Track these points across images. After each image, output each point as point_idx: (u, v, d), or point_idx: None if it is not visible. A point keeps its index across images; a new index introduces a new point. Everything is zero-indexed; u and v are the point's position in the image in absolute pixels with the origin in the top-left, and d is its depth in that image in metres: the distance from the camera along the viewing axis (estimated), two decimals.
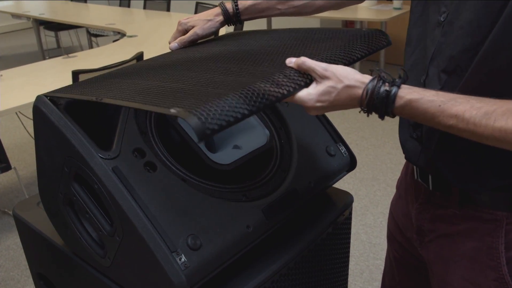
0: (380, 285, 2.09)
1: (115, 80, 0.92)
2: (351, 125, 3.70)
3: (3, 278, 2.27)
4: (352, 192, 1.22)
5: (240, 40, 1.08)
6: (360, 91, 0.74)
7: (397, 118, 0.83)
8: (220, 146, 1.03)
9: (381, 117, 0.75)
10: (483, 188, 0.82)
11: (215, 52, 1.00)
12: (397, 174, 3.01)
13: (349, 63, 0.82)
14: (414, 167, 0.96)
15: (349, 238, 1.22)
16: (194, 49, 1.08)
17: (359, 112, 0.76)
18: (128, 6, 5.41)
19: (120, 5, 5.47)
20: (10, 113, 2.44)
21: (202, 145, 0.98)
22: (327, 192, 1.18)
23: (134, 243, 0.82)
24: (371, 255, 2.29)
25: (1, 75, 2.88)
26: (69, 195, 0.92)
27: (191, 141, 0.97)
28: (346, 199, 1.18)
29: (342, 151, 1.14)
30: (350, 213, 1.19)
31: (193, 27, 1.11)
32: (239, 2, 1.10)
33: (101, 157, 0.83)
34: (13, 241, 2.54)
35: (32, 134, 3.31)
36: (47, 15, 5.04)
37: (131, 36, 3.71)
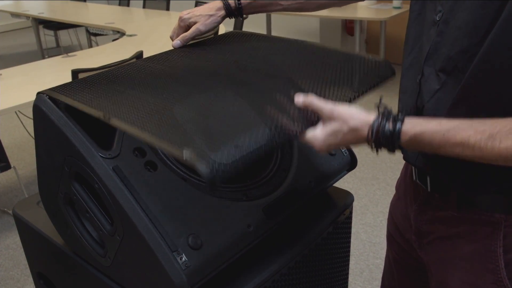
0: (379, 284, 2.09)
1: (119, 87, 0.91)
2: None
3: (2, 278, 2.27)
4: (352, 192, 1.22)
5: (244, 49, 1.07)
6: (365, 132, 0.75)
7: None
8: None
9: (390, 152, 0.76)
10: (481, 191, 0.82)
11: (219, 64, 0.99)
12: (397, 174, 3.01)
13: (354, 99, 0.84)
14: (413, 168, 0.96)
15: (350, 237, 1.22)
16: (198, 53, 1.07)
17: (371, 149, 0.77)
18: (128, 5, 5.40)
19: (119, 4, 5.47)
20: (9, 112, 2.44)
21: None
22: (328, 191, 1.18)
23: (134, 242, 0.82)
24: (371, 254, 2.29)
25: (1, 74, 2.88)
26: (69, 195, 0.92)
27: None
28: (347, 199, 1.17)
29: (343, 150, 1.14)
30: (351, 213, 1.19)
31: (195, 23, 1.10)
32: None
33: (101, 156, 0.83)
34: (13, 240, 2.54)
35: (32, 134, 3.31)
36: (46, 14, 5.03)
37: (130, 35, 3.71)
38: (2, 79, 2.81)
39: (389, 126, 0.73)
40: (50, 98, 0.89)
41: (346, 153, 1.14)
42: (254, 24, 4.60)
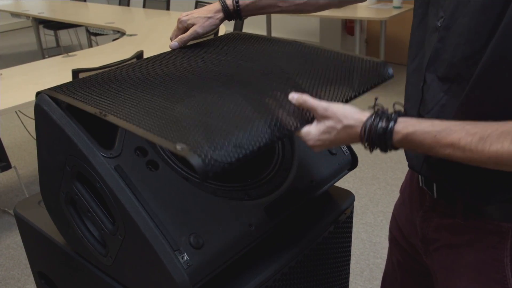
0: (379, 284, 2.09)
1: (117, 86, 0.91)
2: None
3: (3, 277, 2.27)
4: (352, 191, 1.22)
5: (243, 50, 1.07)
6: (358, 130, 0.76)
7: None
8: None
9: (383, 151, 0.76)
10: (488, 201, 0.81)
11: (218, 64, 0.99)
12: (397, 173, 3.02)
13: (349, 100, 0.84)
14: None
15: (351, 236, 1.22)
16: (196, 55, 1.07)
17: (365, 148, 0.78)
18: (128, 5, 5.40)
19: (119, 4, 5.47)
20: (10, 112, 2.44)
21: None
22: (329, 190, 1.18)
23: (136, 241, 0.82)
24: (372, 254, 2.30)
25: (1, 74, 2.88)
26: (71, 194, 0.92)
27: None
28: (348, 198, 1.18)
29: (344, 150, 1.14)
30: (352, 212, 1.19)
31: (193, 24, 1.10)
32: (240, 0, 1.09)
33: (103, 155, 0.83)
34: (13, 240, 2.54)
35: (32, 133, 3.31)
36: (46, 14, 5.03)
37: (130, 35, 3.71)
38: (3, 79, 2.81)
39: (382, 124, 0.74)
40: (52, 97, 0.90)
41: (347, 152, 1.15)
42: (254, 24, 4.60)
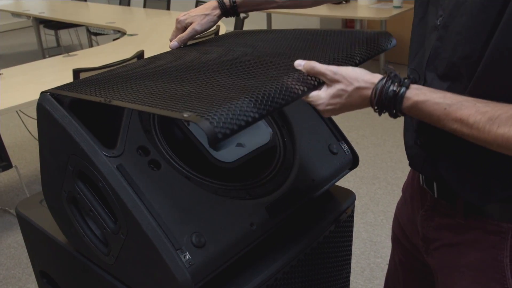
0: (380, 283, 2.10)
1: (120, 80, 0.92)
2: (352, 124, 3.70)
3: (4, 277, 2.27)
4: (352, 191, 1.22)
5: (244, 41, 1.08)
6: (369, 92, 0.75)
7: (399, 119, 0.83)
8: (224, 144, 1.03)
9: (391, 116, 0.76)
10: (490, 200, 0.81)
11: (220, 53, 1.00)
12: (398, 172, 3.02)
13: (358, 64, 0.83)
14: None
15: (352, 236, 1.22)
16: (197, 49, 1.08)
17: (375, 111, 0.76)
18: (128, 4, 5.41)
19: (120, 4, 5.47)
20: (10, 112, 2.44)
21: (205, 143, 0.98)
22: (330, 190, 1.18)
23: (138, 240, 0.82)
24: (372, 253, 2.30)
25: (2, 74, 2.88)
26: (73, 193, 0.93)
27: (195, 139, 0.97)
28: (349, 197, 1.18)
29: (345, 149, 1.15)
30: (353, 211, 1.19)
31: (191, 23, 1.11)
32: None
33: (105, 155, 0.83)
34: (14, 239, 2.54)
35: (33, 133, 3.32)
36: (47, 14, 5.03)
37: (131, 35, 3.71)
38: (3, 79, 2.81)
39: (393, 88, 0.73)
40: (54, 97, 0.90)
41: (348, 152, 1.15)
42: (254, 23, 4.60)
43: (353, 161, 1.16)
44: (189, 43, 1.15)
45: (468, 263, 0.86)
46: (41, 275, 1.24)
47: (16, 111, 2.85)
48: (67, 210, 0.96)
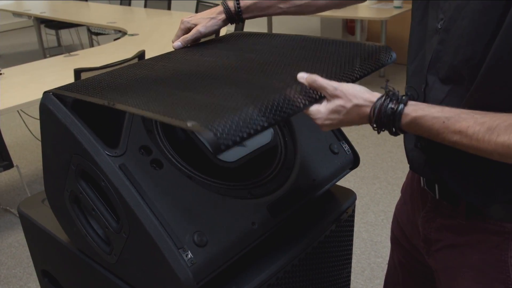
0: (380, 283, 2.10)
1: (124, 81, 0.92)
2: None
3: (5, 276, 2.27)
4: (353, 190, 1.22)
5: (247, 45, 1.08)
6: (368, 110, 0.76)
7: None
8: None
9: (392, 134, 0.77)
10: (492, 202, 0.81)
11: (223, 57, 1.00)
12: (398, 172, 3.03)
13: (357, 79, 0.84)
14: None
15: (352, 235, 1.23)
16: (201, 51, 1.08)
17: (374, 129, 0.78)
18: (129, 4, 5.41)
19: (121, 4, 5.48)
20: (11, 111, 2.44)
21: (207, 143, 0.99)
22: (331, 189, 1.19)
23: (140, 239, 0.82)
24: (373, 253, 2.30)
25: (3, 73, 2.89)
26: (75, 192, 0.93)
27: (197, 139, 0.98)
28: (349, 197, 1.18)
29: (345, 149, 1.15)
30: (353, 211, 1.19)
31: (195, 25, 1.11)
32: (240, 1, 1.10)
33: (108, 154, 0.84)
34: (15, 239, 2.55)
35: (34, 132, 3.32)
36: (48, 14, 5.04)
37: (132, 35, 3.71)
38: (4, 78, 2.81)
39: (391, 106, 0.74)
40: (57, 96, 0.90)
41: (349, 151, 1.15)
42: (255, 24, 4.60)
43: (354, 161, 1.16)
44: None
45: (471, 263, 0.86)
46: (42, 274, 1.24)
47: (17, 111, 2.85)
48: (69, 209, 0.97)
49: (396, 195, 2.75)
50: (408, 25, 0.94)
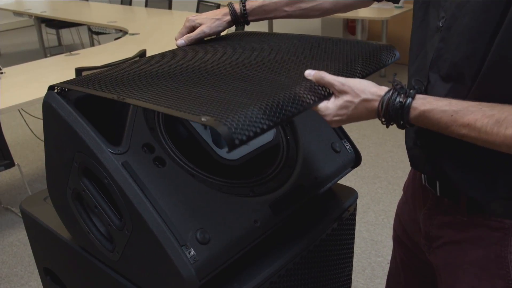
0: (381, 282, 2.11)
1: (131, 76, 0.92)
2: (353, 123, 3.71)
3: (6, 275, 2.28)
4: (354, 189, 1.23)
5: (251, 44, 1.09)
6: (376, 104, 0.76)
7: None
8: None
9: (400, 127, 0.77)
10: (493, 197, 0.82)
11: (229, 55, 1.00)
12: (398, 172, 3.03)
13: (364, 76, 0.85)
14: None
15: (354, 234, 1.23)
16: (206, 48, 1.08)
17: (382, 123, 0.78)
18: (130, 4, 5.42)
19: (121, 3, 5.48)
20: (12, 110, 2.45)
21: (209, 141, 0.99)
22: (332, 188, 1.19)
23: (143, 237, 0.83)
24: (373, 252, 2.31)
25: (4, 72, 2.89)
26: (78, 190, 0.93)
27: (199, 136, 0.98)
28: (351, 195, 1.19)
29: (347, 148, 1.15)
30: (355, 209, 1.20)
31: (200, 24, 1.12)
32: (246, 3, 1.10)
33: (111, 152, 0.84)
34: (16, 238, 2.55)
35: (35, 131, 3.32)
36: (48, 13, 5.04)
37: (133, 34, 3.72)
38: (5, 77, 2.82)
39: (399, 100, 0.74)
40: (60, 94, 0.90)
41: (350, 150, 1.16)
42: (255, 23, 4.61)
43: (356, 160, 1.16)
44: None
45: (472, 260, 0.87)
46: (45, 272, 1.24)
47: (18, 110, 2.86)
48: (72, 207, 0.97)
49: (397, 195, 2.75)
50: (409, 25, 0.94)
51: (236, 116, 0.68)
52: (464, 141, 0.73)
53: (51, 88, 0.92)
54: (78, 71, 2.30)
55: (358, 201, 1.20)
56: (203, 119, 0.67)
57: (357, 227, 2.48)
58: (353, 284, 2.10)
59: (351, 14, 4.39)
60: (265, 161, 1.03)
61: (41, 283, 1.32)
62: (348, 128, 3.58)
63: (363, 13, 4.29)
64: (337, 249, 1.15)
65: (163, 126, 0.94)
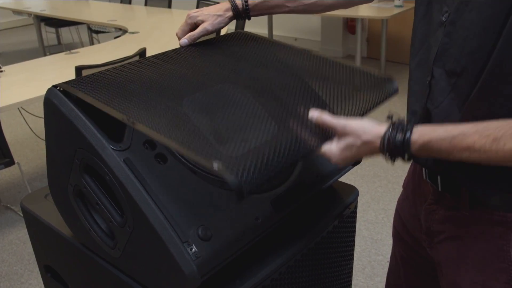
0: (381, 280, 2.11)
1: (138, 88, 0.92)
2: None
3: (6, 273, 2.28)
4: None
5: (255, 56, 1.08)
6: (377, 144, 0.78)
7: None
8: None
9: (405, 161, 0.79)
10: (494, 191, 0.82)
11: (233, 71, 1.01)
12: (398, 171, 3.03)
13: (364, 114, 0.89)
14: (423, 167, 0.96)
15: (354, 231, 1.23)
16: (211, 59, 1.07)
17: (386, 160, 0.81)
18: (129, 2, 5.41)
19: (121, 2, 5.47)
20: (12, 109, 2.44)
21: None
22: (333, 185, 1.19)
23: (145, 233, 0.83)
24: (373, 251, 2.31)
25: (4, 71, 2.89)
26: (79, 187, 0.93)
27: None
28: (352, 193, 1.19)
29: None
30: (356, 207, 1.20)
31: (202, 21, 1.11)
32: None
33: (112, 148, 0.84)
34: (16, 236, 2.55)
35: (34, 130, 3.32)
36: (48, 12, 5.04)
37: (132, 33, 3.72)
38: (5, 76, 2.82)
39: (399, 137, 0.76)
40: (61, 90, 0.90)
41: None
42: (256, 22, 4.60)
43: None
44: None
45: (473, 254, 0.87)
46: (45, 269, 1.24)
47: (18, 108, 2.86)
48: (73, 204, 0.97)
49: (397, 193, 2.75)
50: (409, 24, 0.94)
51: (246, 165, 0.72)
52: None
53: (51, 87, 0.92)
54: (78, 69, 2.29)
55: (358, 199, 1.21)
56: (214, 166, 0.70)
57: (357, 226, 2.47)
58: (353, 282, 2.10)
59: (350, 13, 4.39)
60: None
61: (41, 281, 1.32)
62: None
63: (363, 12, 4.29)
64: (338, 246, 1.15)
65: None
